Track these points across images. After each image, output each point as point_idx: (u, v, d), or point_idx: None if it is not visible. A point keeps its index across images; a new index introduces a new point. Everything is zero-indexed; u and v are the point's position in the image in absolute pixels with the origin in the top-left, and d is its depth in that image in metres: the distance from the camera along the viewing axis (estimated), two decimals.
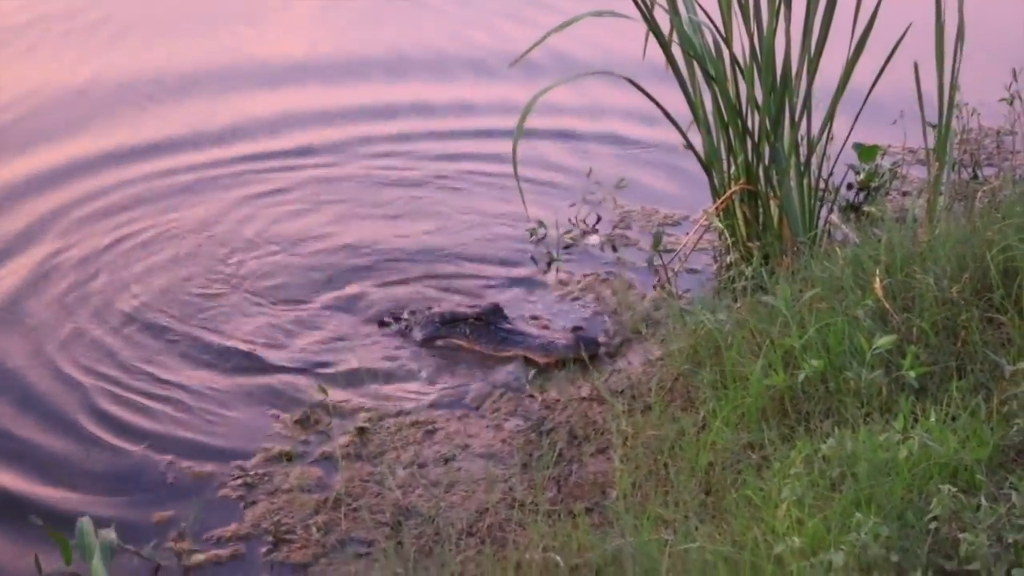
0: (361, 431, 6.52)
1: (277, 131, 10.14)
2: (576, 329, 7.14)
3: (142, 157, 9.68)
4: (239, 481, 6.23)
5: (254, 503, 6.08)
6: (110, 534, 5.28)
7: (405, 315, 7.50)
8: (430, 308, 7.50)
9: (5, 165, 9.53)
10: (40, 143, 9.89)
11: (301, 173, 9.50)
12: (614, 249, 8.29)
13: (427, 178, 9.39)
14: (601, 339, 7.13)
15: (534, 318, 7.49)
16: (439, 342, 7.29)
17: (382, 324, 7.49)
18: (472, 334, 7.23)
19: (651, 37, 7.27)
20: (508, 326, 7.24)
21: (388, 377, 7.03)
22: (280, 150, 9.83)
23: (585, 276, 7.93)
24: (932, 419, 5.25)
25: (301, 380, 6.99)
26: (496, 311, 7.31)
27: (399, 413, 6.68)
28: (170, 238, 8.55)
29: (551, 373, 6.94)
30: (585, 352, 6.89)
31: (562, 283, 7.88)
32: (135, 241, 8.50)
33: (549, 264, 8.13)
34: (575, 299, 7.70)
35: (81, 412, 6.79)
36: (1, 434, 6.65)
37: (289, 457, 6.37)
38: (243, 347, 7.32)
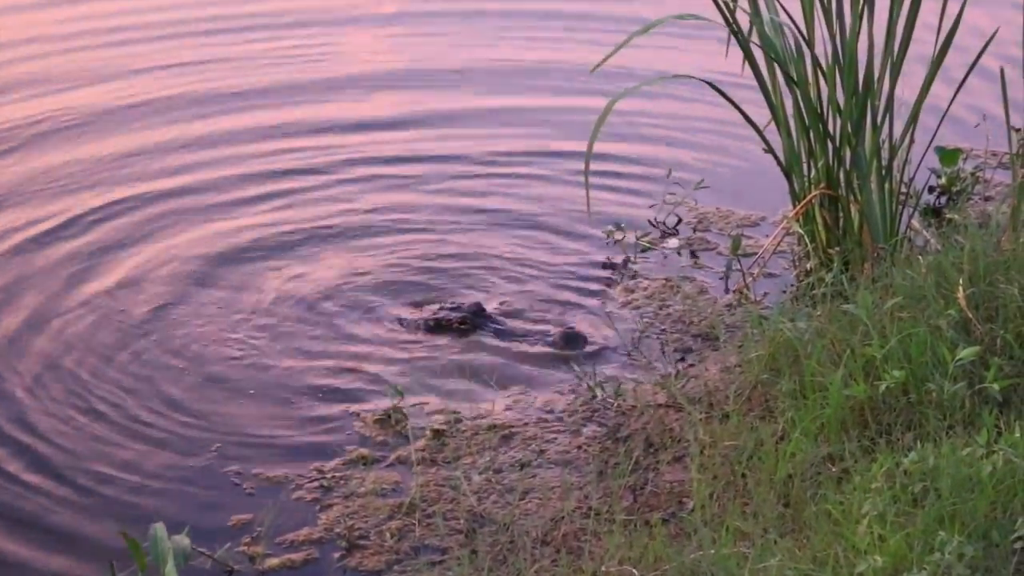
0: (437, 434, 6.49)
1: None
2: (565, 328, 7.28)
3: None
4: (315, 484, 6.21)
5: (329, 507, 6.06)
6: (184, 540, 5.25)
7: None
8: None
9: None
10: None
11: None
12: (692, 254, 8.19)
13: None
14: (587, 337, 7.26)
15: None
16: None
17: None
18: (460, 339, 7.35)
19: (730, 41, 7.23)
20: (494, 327, 7.37)
21: (464, 378, 6.99)
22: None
23: (653, 282, 7.83)
24: (1017, 434, 5.14)
25: (376, 382, 6.96)
26: (479, 313, 7.43)
27: (476, 416, 6.64)
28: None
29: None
30: (570, 349, 7.14)
31: (627, 290, 7.78)
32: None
33: (625, 267, 8.04)
34: (636, 308, 7.59)
35: (157, 412, 6.79)
36: (74, 435, 6.64)
37: (367, 461, 6.35)
38: (317, 350, 7.31)
